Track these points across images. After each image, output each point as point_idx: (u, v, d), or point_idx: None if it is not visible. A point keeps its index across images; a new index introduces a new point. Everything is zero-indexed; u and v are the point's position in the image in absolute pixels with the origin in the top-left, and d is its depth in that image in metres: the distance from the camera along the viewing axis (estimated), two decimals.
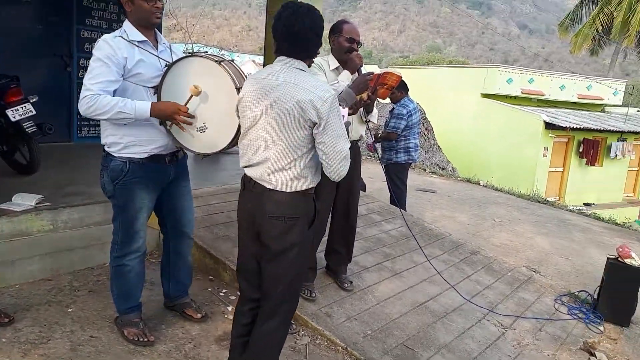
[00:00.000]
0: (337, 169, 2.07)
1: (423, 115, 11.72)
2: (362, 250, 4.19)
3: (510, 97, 15.70)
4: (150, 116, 2.35)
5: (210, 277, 3.58)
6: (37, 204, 3.59)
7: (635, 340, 3.74)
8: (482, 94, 15.50)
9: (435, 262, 4.12)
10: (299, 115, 2.00)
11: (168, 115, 2.36)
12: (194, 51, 2.71)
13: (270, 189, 2.09)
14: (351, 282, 3.57)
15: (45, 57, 6.21)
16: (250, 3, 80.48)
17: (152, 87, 2.46)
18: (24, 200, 3.57)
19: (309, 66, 2.19)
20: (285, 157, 2.06)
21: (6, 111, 4.20)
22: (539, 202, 8.86)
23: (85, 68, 6.54)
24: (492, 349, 3.23)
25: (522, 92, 15.89)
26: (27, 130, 4.30)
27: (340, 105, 2.31)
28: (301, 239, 2.15)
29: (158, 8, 2.43)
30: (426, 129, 12.04)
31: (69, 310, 2.91)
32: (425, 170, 10.41)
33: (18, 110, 4.27)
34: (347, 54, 3.16)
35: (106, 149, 2.50)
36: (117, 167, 2.46)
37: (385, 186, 6.02)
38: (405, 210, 5.46)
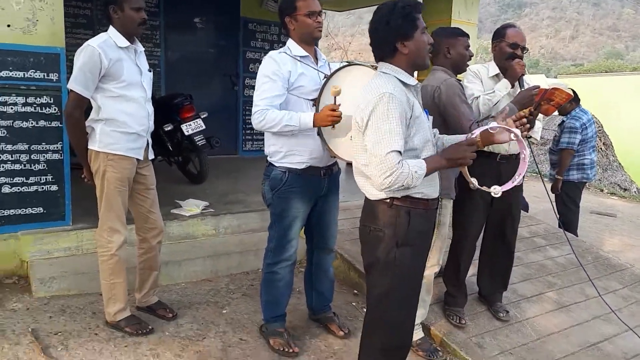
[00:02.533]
0: (375, 178, 1.86)
1: (599, 128, 10.41)
2: (521, 277, 3.78)
3: None
4: (313, 126, 2.41)
5: (354, 291, 3.54)
6: (203, 210, 3.93)
7: None
8: None
9: (612, 298, 3.54)
10: (356, 118, 1.95)
11: (324, 119, 2.36)
12: (350, 61, 2.73)
13: (365, 196, 2.06)
14: (507, 312, 3.22)
15: (215, 77, 6.88)
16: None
17: (311, 100, 2.52)
18: (192, 207, 3.92)
19: (414, 66, 2.01)
20: (360, 161, 1.98)
21: (181, 126, 4.71)
22: None
23: (250, 86, 7.17)
24: None
25: None
26: (197, 143, 4.77)
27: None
28: (385, 257, 1.96)
29: (320, 22, 2.54)
30: (604, 143, 10.66)
31: (224, 311, 3.08)
32: (602, 190, 9.21)
33: (191, 125, 4.75)
34: (508, 61, 2.88)
35: (268, 159, 2.64)
36: (277, 176, 2.58)
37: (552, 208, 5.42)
38: (577, 236, 4.83)
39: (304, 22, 2.50)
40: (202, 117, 4.85)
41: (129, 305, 2.76)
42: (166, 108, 4.84)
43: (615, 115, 13.25)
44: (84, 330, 2.68)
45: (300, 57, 2.55)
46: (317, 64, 2.63)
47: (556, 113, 4.25)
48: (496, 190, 1.99)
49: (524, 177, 2.13)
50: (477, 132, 1.98)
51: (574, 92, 4.92)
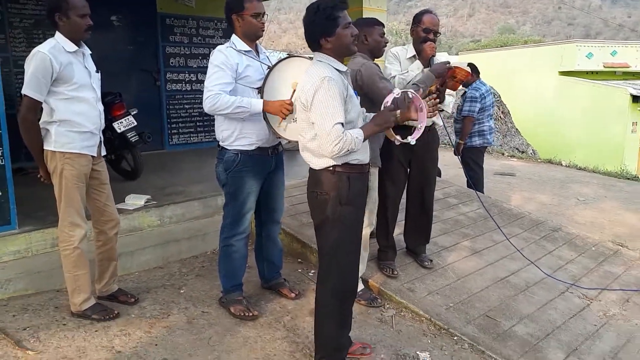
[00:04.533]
0: (325, 147, 2.22)
1: (497, 98, 11.48)
2: (440, 231, 4.34)
3: (592, 72, 14.90)
4: (263, 110, 2.70)
5: (299, 260, 3.90)
6: (145, 203, 4.10)
7: None
8: (560, 72, 14.88)
9: (515, 240, 4.17)
10: (301, 98, 2.30)
11: (276, 109, 2.67)
12: (290, 53, 3.06)
13: (310, 167, 2.42)
14: (431, 261, 3.74)
15: (137, 74, 6.88)
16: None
17: (256, 88, 2.82)
18: (135, 201, 4.08)
19: (340, 54, 2.34)
20: (305, 137, 2.35)
21: (112, 124, 4.78)
22: (628, 179, 8.43)
23: (172, 81, 7.23)
24: (577, 319, 3.27)
25: (604, 66, 15.03)
26: (130, 140, 4.87)
27: (420, 87, 2.51)
28: (332, 215, 2.34)
29: (263, 24, 2.84)
30: (502, 112, 11.78)
31: (181, 291, 3.33)
32: (503, 154, 10.22)
33: (122, 122, 4.84)
34: (422, 44, 3.32)
35: (220, 143, 2.92)
36: (230, 158, 2.87)
37: (461, 172, 6.08)
38: (483, 194, 5.49)
39: (249, 21, 2.79)
40: (132, 113, 4.94)
41: (92, 295, 2.93)
42: None
43: (510, 86, 14.56)
44: (52, 323, 2.83)
45: (245, 51, 2.84)
46: (259, 57, 2.92)
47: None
48: (411, 139, 2.40)
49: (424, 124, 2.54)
50: (389, 98, 2.38)
51: (474, 65, 5.53)
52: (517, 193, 6.64)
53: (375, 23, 3.25)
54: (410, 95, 2.38)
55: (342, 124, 2.20)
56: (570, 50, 14.71)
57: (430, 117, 2.58)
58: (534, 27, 77.40)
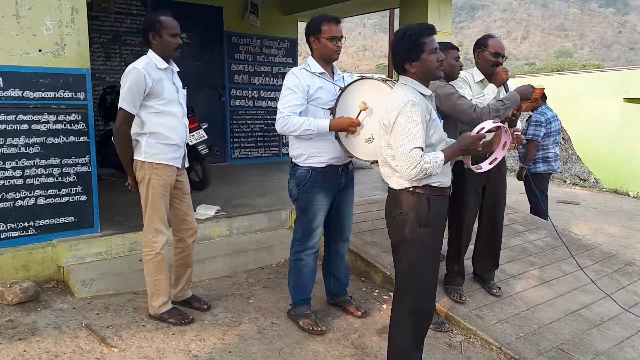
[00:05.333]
0: (403, 170, 2.25)
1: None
2: (507, 259, 4.24)
3: None
4: (330, 130, 2.78)
5: (362, 278, 3.92)
6: (216, 213, 4.23)
7: None
8: (625, 98, 14.31)
9: (586, 272, 4.02)
10: (383, 120, 2.33)
11: (343, 127, 2.76)
12: (362, 75, 3.13)
13: (389, 187, 2.44)
14: (499, 288, 3.67)
15: (203, 89, 7.17)
16: (365, 23, 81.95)
17: (328, 109, 2.89)
18: (206, 211, 4.23)
19: (425, 79, 2.39)
20: (386, 157, 2.38)
21: None
22: None
23: (236, 97, 7.47)
24: None
25: None
26: (201, 152, 5.06)
27: (505, 103, 2.55)
28: (411, 235, 2.34)
29: (339, 47, 2.92)
30: (563, 138, 11.44)
31: (250, 301, 3.41)
32: (565, 181, 9.91)
33: (194, 135, 5.04)
34: (493, 68, 3.34)
35: (293, 160, 3.01)
36: (301, 174, 2.95)
37: (523, 197, 5.94)
38: (548, 222, 5.35)
39: (325, 44, 2.88)
40: (203, 127, 5.14)
41: (170, 299, 3.05)
42: None
43: (571, 111, 14.14)
44: (132, 323, 2.96)
45: (319, 73, 2.93)
46: (333, 79, 3.01)
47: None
48: (480, 167, 2.43)
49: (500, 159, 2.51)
50: (486, 125, 2.35)
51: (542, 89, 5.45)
52: (582, 223, 6.41)
53: (450, 47, 3.30)
54: (503, 130, 2.38)
55: (421, 148, 2.22)
56: (636, 76, 14.16)
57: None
58: (592, 51, 74.98)
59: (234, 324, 3.07)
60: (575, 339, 3.21)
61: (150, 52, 2.86)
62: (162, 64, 2.86)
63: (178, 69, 3.03)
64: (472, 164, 2.41)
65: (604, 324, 3.44)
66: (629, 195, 8.98)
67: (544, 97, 5.56)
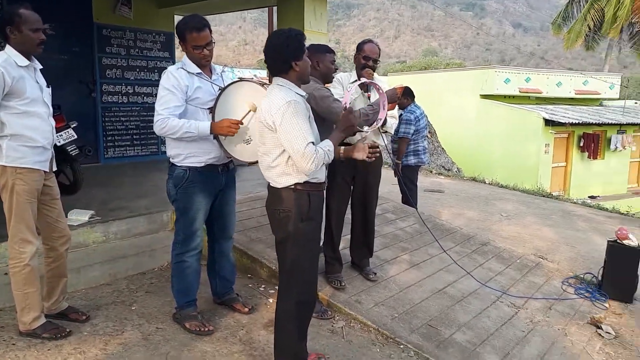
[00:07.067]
0: (302, 166, 2.38)
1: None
2: (381, 245, 4.58)
3: (509, 96, 16.12)
4: (210, 133, 2.78)
5: (248, 275, 3.98)
6: (90, 218, 4.01)
7: (638, 314, 4.10)
8: (481, 95, 15.94)
9: (449, 254, 4.49)
10: (267, 121, 2.42)
11: (224, 129, 2.78)
12: (241, 77, 3.16)
13: (270, 185, 2.55)
14: (375, 274, 3.96)
15: (71, 84, 6.66)
16: (245, 18, 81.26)
17: (207, 109, 2.89)
18: (78, 216, 3.98)
19: (302, 80, 2.54)
20: (269, 157, 2.48)
21: None
22: (544, 196, 9.23)
23: (108, 92, 7.06)
24: (507, 326, 3.60)
25: (520, 91, 16.33)
26: (70, 153, 4.72)
27: (374, 107, 2.80)
28: (294, 230, 2.48)
29: (206, 55, 2.89)
30: (429, 132, 12.43)
31: (133, 308, 3.30)
32: (431, 172, 10.80)
33: (62, 135, 4.69)
34: (361, 70, 3.60)
35: (171, 160, 2.96)
36: (179, 174, 2.91)
37: (395, 188, 6.42)
38: (417, 209, 5.84)
39: (191, 52, 2.87)
40: (72, 126, 4.80)
41: (43, 313, 2.86)
42: None
43: (436, 107, 15.41)
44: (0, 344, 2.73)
45: (196, 73, 2.91)
46: (211, 77, 3.00)
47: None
48: (365, 129, 2.76)
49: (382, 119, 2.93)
50: (347, 99, 2.63)
51: (409, 89, 5.92)
52: (446, 209, 7.08)
53: (327, 50, 3.48)
54: (379, 91, 2.67)
55: (312, 142, 2.36)
56: (490, 75, 15.83)
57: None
58: (455, 50, 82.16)
59: (116, 332, 2.96)
60: (442, 315, 3.58)
61: (9, 48, 2.63)
62: (23, 61, 2.65)
63: (41, 67, 2.82)
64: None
65: (465, 299, 3.88)
66: (484, 182, 10.07)
67: (412, 95, 6.04)
